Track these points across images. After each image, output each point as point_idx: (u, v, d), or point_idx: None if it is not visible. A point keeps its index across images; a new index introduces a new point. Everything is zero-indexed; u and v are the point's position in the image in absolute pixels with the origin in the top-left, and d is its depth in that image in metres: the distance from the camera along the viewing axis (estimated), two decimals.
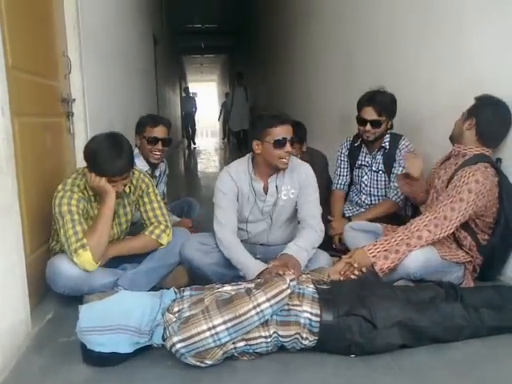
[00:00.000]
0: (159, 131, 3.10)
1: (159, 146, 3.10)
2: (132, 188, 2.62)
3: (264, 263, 2.37)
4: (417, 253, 2.38)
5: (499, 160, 2.56)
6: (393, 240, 2.41)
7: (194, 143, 15.66)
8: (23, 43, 2.41)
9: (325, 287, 2.11)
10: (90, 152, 2.34)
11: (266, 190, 2.58)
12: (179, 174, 8.71)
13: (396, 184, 3.07)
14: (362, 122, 3.10)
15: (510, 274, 2.55)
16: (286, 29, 7.76)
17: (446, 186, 2.50)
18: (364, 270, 2.36)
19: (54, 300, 2.49)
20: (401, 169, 3.08)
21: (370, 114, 3.05)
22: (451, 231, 2.40)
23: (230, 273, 2.52)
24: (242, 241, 2.64)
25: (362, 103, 3.10)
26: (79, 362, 1.91)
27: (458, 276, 2.50)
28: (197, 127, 16.63)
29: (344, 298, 2.01)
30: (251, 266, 2.37)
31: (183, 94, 16.41)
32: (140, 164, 3.01)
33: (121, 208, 2.60)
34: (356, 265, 2.37)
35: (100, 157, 2.31)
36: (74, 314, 1.93)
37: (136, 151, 3.14)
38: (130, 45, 5.58)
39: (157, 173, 3.28)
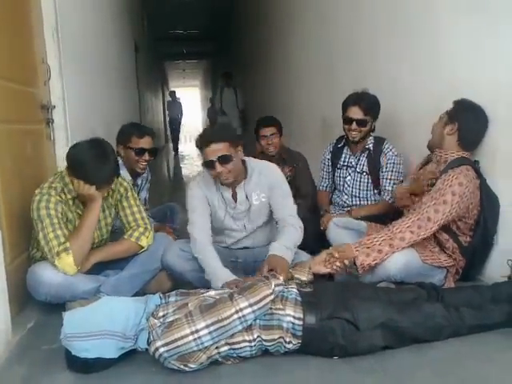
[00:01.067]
0: (146, 142, 3.09)
1: (146, 156, 3.10)
2: (110, 191, 2.61)
3: (231, 274, 2.32)
4: (397, 256, 2.40)
5: (477, 162, 2.60)
6: (375, 240, 2.43)
7: (177, 152, 14.19)
8: (0, 51, 2.40)
9: (308, 290, 2.12)
10: (77, 161, 2.34)
11: (235, 197, 2.56)
12: (162, 180, 8.67)
13: (389, 188, 3.13)
14: (347, 121, 3.15)
15: (489, 273, 2.59)
16: (269, 31, 7.79)
17: (428, 190, 2.53)
18: (346, 262, 2.37)
19: (36, 308, 2.46)
20: (389, 173, 3.14)
21: (355, 113, 3.11)
22: (433, 232, 2.42)
23: None
24: (223, 247, 2.65)
25: (348, 103, 3.16)
26: (62, 370, 1.89)
27: (440, 279, 2.51)
28: (180, 134, 15.45)
29: (327, 301, 2.02)
30: (218, 274, 2.33)
31: (168, 98, 15.43)
32: (123, 174, 2.99)
33: (100, 212, 2.58)
34: (337, 255, 2.37)
35: (89, 166, 2.31)
36: (56, 321, 1.92)
37: (119, 161, 3.13)
38: (110, 51, 5.56)
39: (138, 181, 3.28)
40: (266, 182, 2.56)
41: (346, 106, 3.17)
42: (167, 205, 3.83)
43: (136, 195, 2.71)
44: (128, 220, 2.64)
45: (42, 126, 2.99)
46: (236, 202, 2.56)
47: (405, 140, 3.35)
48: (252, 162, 2.60)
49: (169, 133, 16.32)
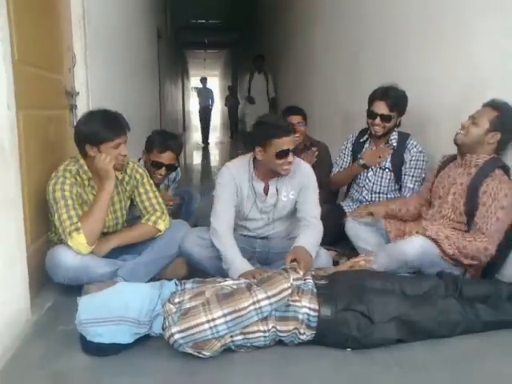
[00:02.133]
0: (166, 157, 3.07)
1: (162, 171, 3.09)
2: (126, 177, 2.65)
3: (249, 265, 2.37)
4: (416, 239, 2.40)
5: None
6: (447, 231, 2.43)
7: (207, 142, 13.32)
8: (29, 38, 2.43)
9: (323, 282, 2.13)
10: (88, 128, 2.39)
11: (266, 190, 2.58)
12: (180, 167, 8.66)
13: (410, 185, 3.10)
14: (372, 115, 3.10)
15: (507, 272, 2.53)
16: (293, 21, 7.64)
17: (467, 199, 2.45)
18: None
19: (54, 289, 2.51)
20: (412, 170, 3.10)
21: (381, 108, 3.05)
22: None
23: None
24: (241, 235, 2.67)
25: (375, 97, 3.09)
26: (78, 350, 1.94)
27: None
28: (211, 123, 14.11)
29: (342, 293, 2.04)
30: (237, 263, 2.37)
31: (199, 85, 14.65)
32: None
33: (115, 195, 2.61)
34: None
35: (100, 124, 2.38)
36: (74, 302, 1.96)
37: (141, 163, 3.18)
38: (134, 39, 5.59)
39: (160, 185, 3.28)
40: (299, 181, 2.57)
41: (372, 99, 3.11)
42: (184, 189, 3.79)
43: (152, 181, 2.74)
44: (145, 205, 2.66)
45: (65, 112, 3.02)
46: (267, 195, 2.57)
47: (428, 136, 3.27)
48: None
49: (191, 122, 15.84)
